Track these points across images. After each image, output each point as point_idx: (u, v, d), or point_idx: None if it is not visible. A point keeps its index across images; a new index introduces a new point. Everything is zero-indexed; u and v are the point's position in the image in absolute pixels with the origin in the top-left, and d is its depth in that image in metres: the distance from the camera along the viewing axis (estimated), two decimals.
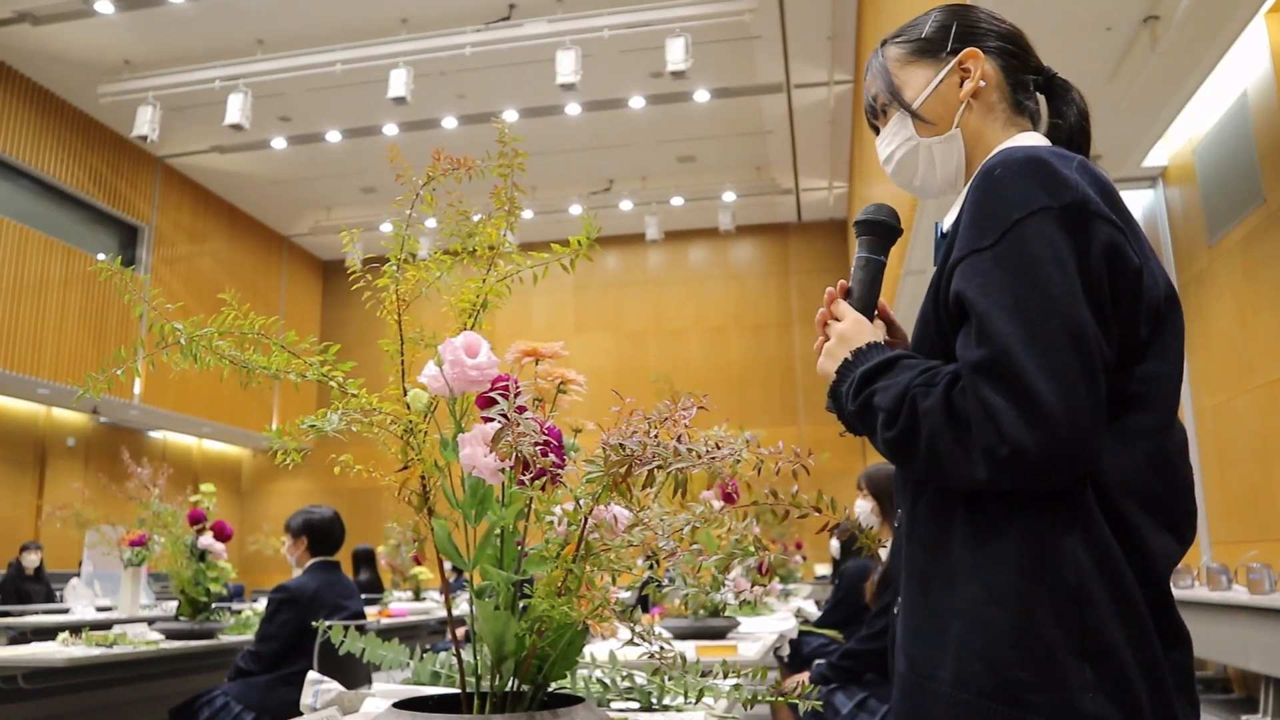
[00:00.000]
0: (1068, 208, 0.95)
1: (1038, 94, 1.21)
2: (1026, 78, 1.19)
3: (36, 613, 6.49)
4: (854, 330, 1.13)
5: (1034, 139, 1.14)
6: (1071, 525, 0.93)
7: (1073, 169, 0.99)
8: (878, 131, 1.26)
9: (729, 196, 12.87)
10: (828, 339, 1.15)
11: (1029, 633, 0.91)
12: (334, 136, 11.29)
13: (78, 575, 6.30)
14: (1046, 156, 0.99)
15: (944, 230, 1.15)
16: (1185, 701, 0.94)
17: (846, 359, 1.10)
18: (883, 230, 1.21)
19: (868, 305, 1.18)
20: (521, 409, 0.89)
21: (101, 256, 10.74)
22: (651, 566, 1.00)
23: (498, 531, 0.97)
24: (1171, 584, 0.99)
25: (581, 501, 0.90)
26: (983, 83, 1.16)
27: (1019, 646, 0.91)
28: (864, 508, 3.47)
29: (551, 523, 0.96)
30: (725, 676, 1.27)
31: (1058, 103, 1.20)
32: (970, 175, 1.17)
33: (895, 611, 1.11)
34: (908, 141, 1.20)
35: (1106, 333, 0.94)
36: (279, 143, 11.38)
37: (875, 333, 1.13)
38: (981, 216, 0.98)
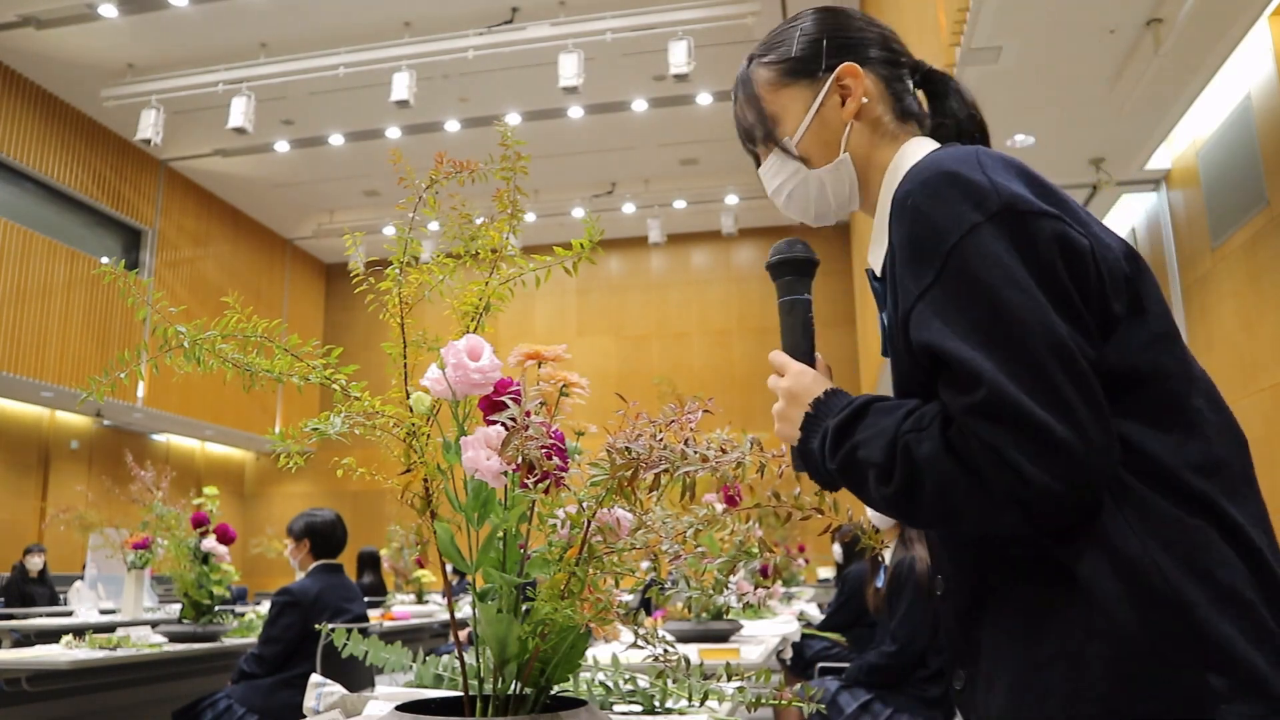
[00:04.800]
0: (997, 216, 0.88)
1: (917, 90, 1.15)
2: (905, 81, 1.13)
3: (40, 615, 6.50)
4: (800, 384, 1.03)
5: (926, 145, 1.08)
6: (1142, 527, 0.86)
7: (980, 169, 0.92)
8: (756, 158, 1.17)
9: (731, 199, 12.88)
10: None
11: (1140, 659, 0.83)
12: (337, 140, 11.30)
13: (81, 578, 6.30)
14: (952, 166, 0.92)
15: (876, 274, 1.08)
16: None
17: (808, 413, 1.00)
18: (800, 266, 1.11)
19: (806, 352, 1.08)
20: (528, 413, 0.89)
21: (105, 260, 10.76)
22: (654, 569, 0.99)
23: (500, 534, 0.97)
24: None
25: (585, 504, 0.90)
26: (865, 100, 1.09)
27: (1135, 677, 0.83)
28: None
29: (554, 526, 0.96)
30: (728, 679, 1.26)
31: (941, 100, 1.13)
32: (867, 190, 1.12)
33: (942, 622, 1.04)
34: (795, 175, 1.12)
35: (1083, 329, 0.87)
36: (282, 146, 11.40)
37: (824, 380, 1.04)
38: (914, 254, 0.91)
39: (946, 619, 1.03)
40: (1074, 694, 0.85)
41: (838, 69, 1.09)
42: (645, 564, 1.01)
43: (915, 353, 0.92)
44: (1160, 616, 0.83)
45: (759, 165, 1.18)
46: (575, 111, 10.63)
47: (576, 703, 0.97)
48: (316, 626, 2.20)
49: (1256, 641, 0.82)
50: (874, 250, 1.09)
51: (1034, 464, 0.81)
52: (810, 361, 1.08)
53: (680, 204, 13.01)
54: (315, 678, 1.70)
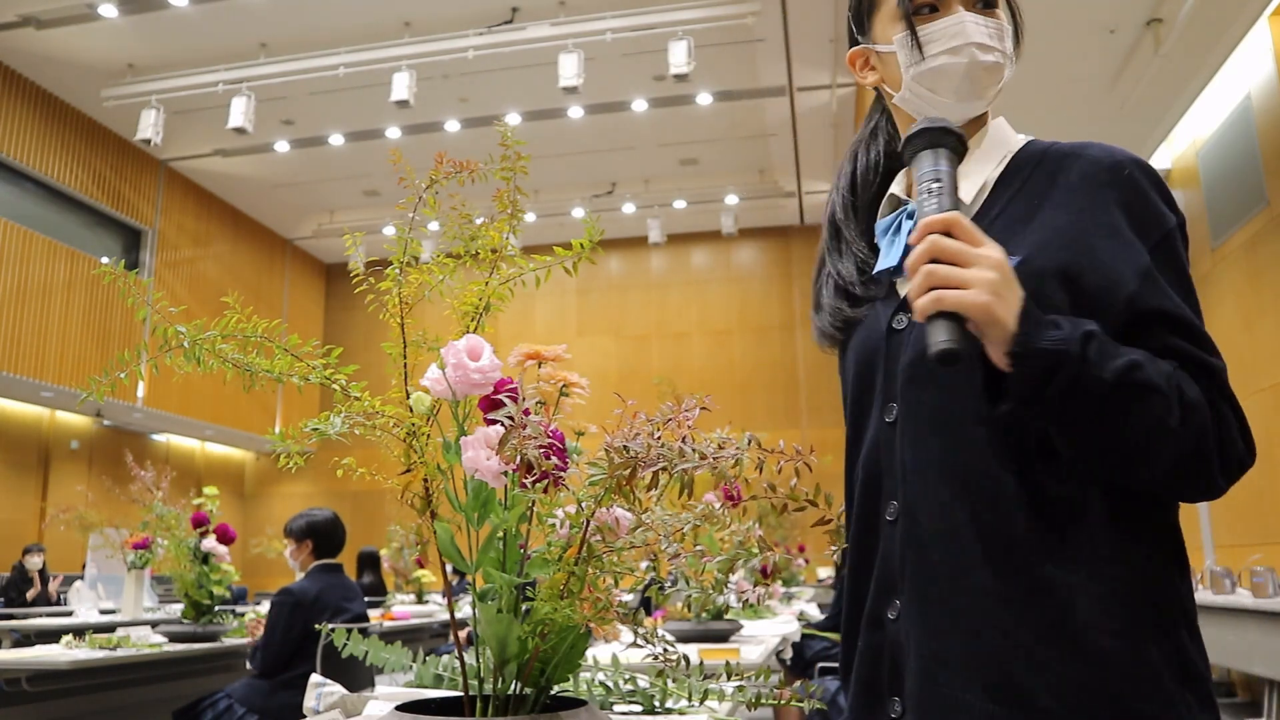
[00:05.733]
0: (1181, 228, 0.96)
1: None
2: None
3: (40, 615, 6.50)
4: (1008, 269, 0.85)
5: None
6: (1175, 548, 0.93)
7: None
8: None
9: (731, 199, 12.87)
10: (937, 262, 0.84)
11: (1144, 663, 0.87)
12: (337, 140, 11.30)
13: (81, 578, 6.30)
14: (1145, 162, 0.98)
15: (966, 200, 1.03)
16: None
17: (1027, 310, 0.84)
18: (953, 143, 0.93)
19: None
20: (526, 412, 0.89)
21: (105, 260, 10.76)
22: (654, 569, 0.99)
23: (500, 534, 0.97)
24: None
25: (584, 504, 0.90)
26: None
27: (1138, 678, 0.86)
28: None
29: (554, 525, 0.96)
30: (728, 679, 1.26)
31: None
32: (974, 122, 1.08)
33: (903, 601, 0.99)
34: (1005, 57, 1.04)
35: None
36: (282, 146, 11.40)
37: None
38: (1136, 220, 0.94)
39: (892, 545, 0.99)
40: (1075, 678, 0.88)
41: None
42: (645, 563, 1.01)
43: (1132, 305, 0.90)
44: (1164, 630, 0.89)
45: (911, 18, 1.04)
46: (575, 111, 10.62)
47: (576, 703, 0.97)
48: (316, 626, 2.20)
49: (1204, 667, 0.91)
50: (971, 181, 1.04)
51: (1245, 445, 0.90)
52: None
53: (680, 204, 13.00)
54: (315, 678, 1.70)
